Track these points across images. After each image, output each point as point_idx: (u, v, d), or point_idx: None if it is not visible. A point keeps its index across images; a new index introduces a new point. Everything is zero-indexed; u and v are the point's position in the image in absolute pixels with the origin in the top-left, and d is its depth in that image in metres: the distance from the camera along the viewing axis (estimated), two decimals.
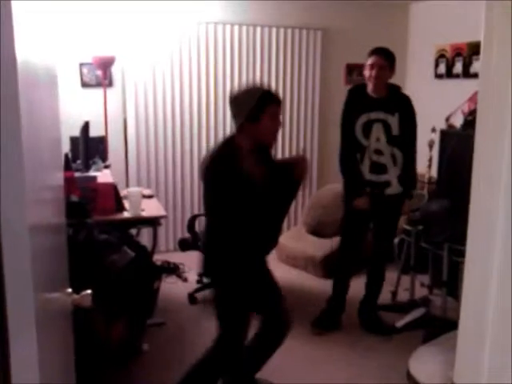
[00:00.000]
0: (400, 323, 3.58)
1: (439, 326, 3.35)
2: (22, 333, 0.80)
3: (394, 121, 3.26)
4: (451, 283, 3.50)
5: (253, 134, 2.30)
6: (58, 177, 1.51)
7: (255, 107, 2.25)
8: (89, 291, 1.42)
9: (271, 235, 2.45)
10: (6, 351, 0.79)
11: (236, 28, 4.97)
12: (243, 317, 2.40)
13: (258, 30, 5.04)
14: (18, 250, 0.77)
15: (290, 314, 2.63)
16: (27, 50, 0.89)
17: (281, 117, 2.40)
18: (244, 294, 2.39)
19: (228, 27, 4.94)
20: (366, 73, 3.27)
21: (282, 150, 5.31)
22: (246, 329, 2.41)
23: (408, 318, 3.62)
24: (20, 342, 0.80)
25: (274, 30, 5.09)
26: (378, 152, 3.30)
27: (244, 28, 4.99)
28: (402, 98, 3.34)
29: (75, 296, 1.40)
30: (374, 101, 3.28)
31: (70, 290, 1.43)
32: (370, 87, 3.27)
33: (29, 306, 0.81)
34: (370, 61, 3.25)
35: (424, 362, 2.77)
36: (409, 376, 2.75)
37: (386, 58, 3.23)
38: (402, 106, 3.30)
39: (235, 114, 2.33)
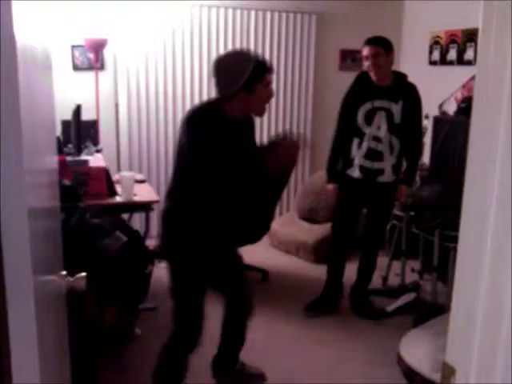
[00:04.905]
0: (390, 307, 3.62)
1: (429, 310, 3.40)
2: (22, 314, 0.81)
3: (396, 109, 3.27)
4: (441, 268, 3.55)
5: (245, 103, 2.18)
6: (53, 160, 1.50)
7: (251, 77, 2.12)
8: (83, 274, 1.42)
9: (262, 221, 2.43)
10: (6, 334, 0.79)
11: (230, 11, 4.92)
12: (197, 295, 2.33)
13: (252, 13, 4.99)
14: (17, 232, 0.77)
15: (252, 302, 2.63)
16: (24, 33, 0.88)
17: (273, 86, 2.29)
18: (203, 276, 2.32)
19: (222, 10, 4.89)
20: (365, 65, 3.28)
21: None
22: (202, 311, 2.33)
23: (398, 302, 3.67)
24: (19, 324, 0.80)
25: (268, 14, 5.05)
26: (377, 139, 3.31)
27: (238, 11, 4.94)
28: (407, 86, 3.34)
29: (69, 279, 1.40)
30: (378, 89, 3.28)
31: (64, 272, 1.43)
32: (372, 77, 3.27)
33: (28, 289, 0.81)
34: (363, 53, 3.26)
35: (414, 346, 2.81)
36: (399, 359, 2.79)
37: (377, 45, 3.22)
38: (407, 94, 3.30)
39: (224, 83, 2.16)
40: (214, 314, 2.45)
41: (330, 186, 3.47)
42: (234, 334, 2.68)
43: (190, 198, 2.24)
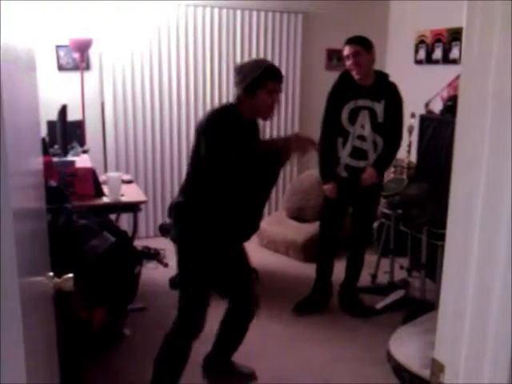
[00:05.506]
0: (380, 305, 3.64)
1: (418, 307, 3.43)
2: (7, 316, 0.80)
3: (379, 108, 3.30)
4: (430, 266, 3.57)
5: (249, 106, 2.34)
6: (38, 162, 1.49)
7: (253, 81, 2.28)
8: (70, 275, 1.40)
9: (252, 220, 2.45)
10: None
11: (216, 11, 4.91)
12: (202, 289, 2.43)
13: (238, 12, 4.99)
14: (2, 234, 0.76)
15: (258, 300, 2.65)
16: (6, 32, 0.87)
17: (280, 94, 2.41)
18: (209, 270, 2.41)
19: (208, 10, 4.88)
20: (346, 64, 3.30)
21: (262, 134, 5.30)
22: (205, 301, 2.42)
23: (387, 300, 3.69)
24: (5, 325, 0.79)
25: (254, 13, 5.05)
26: (361, 138, 3.33)
27: (224, 11, 4.94)
28: (388, 86, 3.37)
29: (57, 280, 1.39)
30: (361, 88, 3.30)
31: (51, 273, 1.42)
32: (354, 76, 3.29)
33: (14, 290, 0.80)
34: (344, 52, 3.29)
35: (403, 343, 2.83)
36: (389, 356, 2.81)
37: (357, 44, 3.24)
38: (389, 94, 3.33)
39: (237, 84, 2.36)
40: (208, 316, 2.44)
41: (328, 186, 3.43)
42: (233, 334, 2.68)
43: (201, 195, 2.35)
